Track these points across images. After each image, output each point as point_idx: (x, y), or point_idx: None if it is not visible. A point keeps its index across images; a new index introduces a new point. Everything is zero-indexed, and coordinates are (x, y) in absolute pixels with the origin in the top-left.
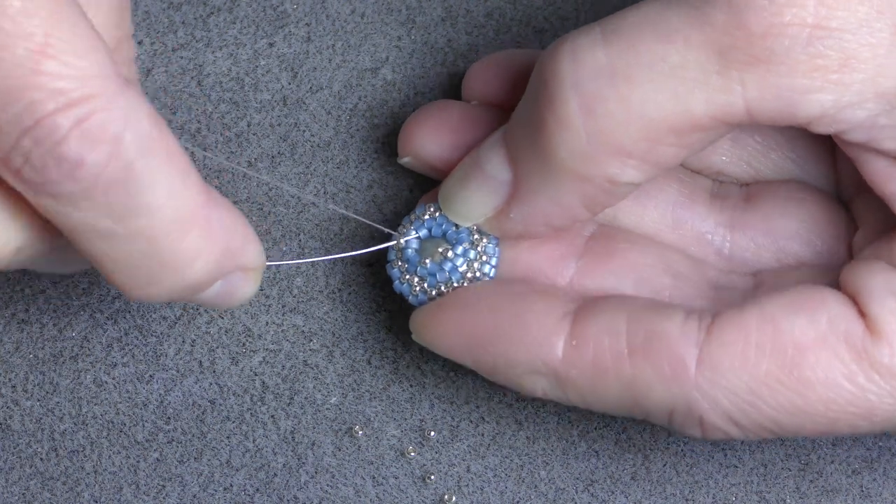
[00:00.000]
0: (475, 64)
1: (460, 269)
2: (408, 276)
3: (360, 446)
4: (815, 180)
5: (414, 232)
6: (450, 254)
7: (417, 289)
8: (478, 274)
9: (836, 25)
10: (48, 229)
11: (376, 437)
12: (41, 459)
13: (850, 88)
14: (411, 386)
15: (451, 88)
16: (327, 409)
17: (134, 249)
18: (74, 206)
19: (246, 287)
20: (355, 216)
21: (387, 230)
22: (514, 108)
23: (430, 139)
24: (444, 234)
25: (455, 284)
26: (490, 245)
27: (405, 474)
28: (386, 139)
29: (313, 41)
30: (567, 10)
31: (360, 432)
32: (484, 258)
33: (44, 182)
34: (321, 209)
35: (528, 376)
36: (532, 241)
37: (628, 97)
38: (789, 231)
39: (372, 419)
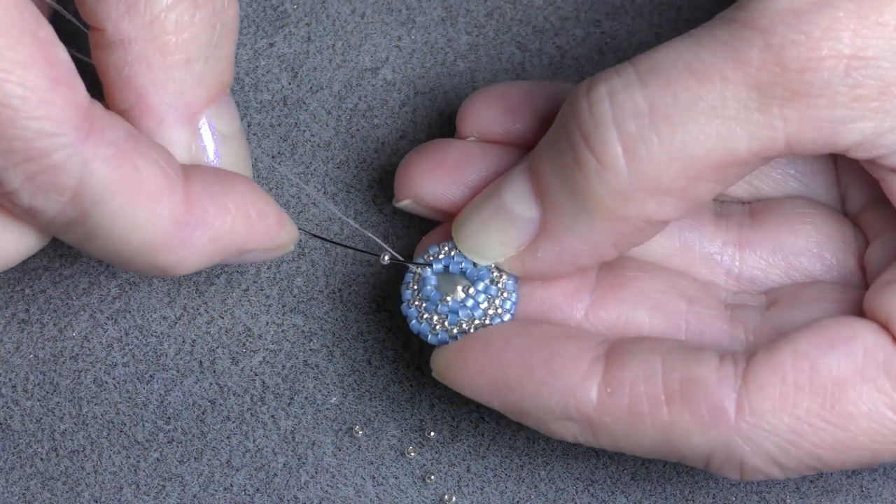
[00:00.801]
0: (468, 99)
1: (482, 306)
2: (426, 315)
3: (360, 446)
4: (818, 196)
5: (429, 270)
6: (471, 290)
7: (438, 327)
8: (499, 311)
9: (872, 54)
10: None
11: (376, 437)
12: (41, 459)
13: (889, 115)
14: (411, 386)
15: (452, 89)
16: (327, 409)
17: (107, 257)
18: (55, 232)
19: (263, 257)
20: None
21: (385, 249)
22: (513, 143)
23: (430, 180)
24: (462, 272)
25: (476, 322)
26: (510, 282)
27: (405, 474)
28: (386, 139)
29: (313, 41)
30: (567, 10)
31: (360, 432)
32: (504, 295)
33: (20, 213)
34: (321, 209)
35: (558, 422)
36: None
37: (670, 138)
38: (798, 247)
39: (372, 419)
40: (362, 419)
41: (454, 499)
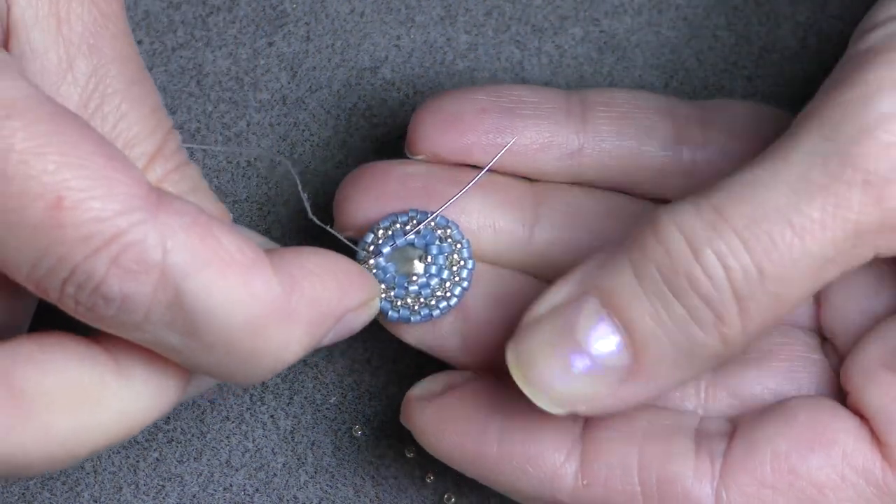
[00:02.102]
0: (418, 114)
1: (443, 275)
2: (399, 302)
3: (359, 446)
4: None
5: (382, 259)
6: (429, 259)
7: (416, 307)
8: (456, 278)
9: None
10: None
11: (376, 437)
12: None
13: None
14: (411, 386)
15: (451, 88)
16: (327, 408)
17: (215, 358)
18: (139, 330)
19: (360, 319)
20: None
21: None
22: (461, 167)
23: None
24: (409, 243)
25: (441, 290)
26: (465, 249)
27: (405, 474)
28: (385, 139)
29: (312, 40)
30: (566, 9)
31: (360, 432)
32: (462, 263)
33: (101, 318)
34: (321, 209)
35: (533, 502)
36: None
37: (777, 294)
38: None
39: (372, 419)
40: (362, 419)
41: (454, 499)
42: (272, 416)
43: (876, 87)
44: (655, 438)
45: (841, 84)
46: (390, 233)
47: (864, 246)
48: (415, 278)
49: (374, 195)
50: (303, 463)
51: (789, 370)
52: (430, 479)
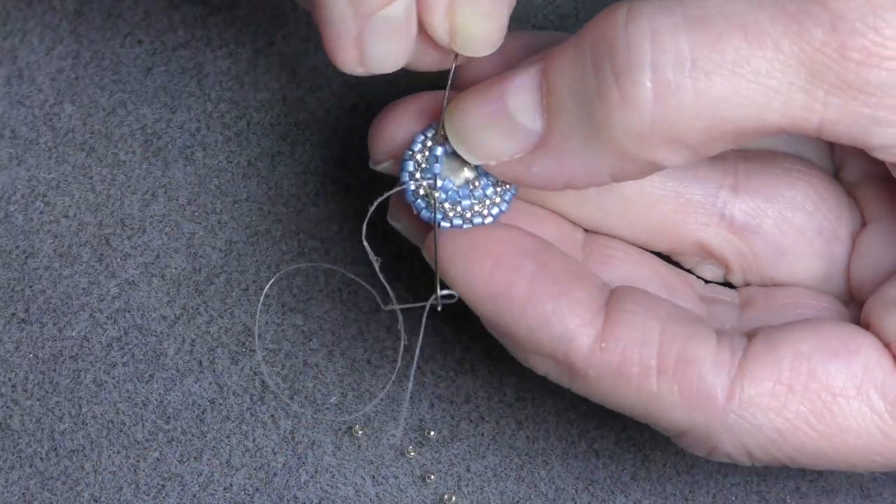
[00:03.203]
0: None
1: (487, 192)
2: (424, 193)
3: (360, 446)
4: (810, 159)
5: (440, 148)
6: (478, 172)
7: (452, 213)
8: (497, 199)
9: None
10: None
11: (376, 437)
12: (41, 459)
13: None
14: (411, 385)
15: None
16: (327, 409)
17: None
18: None
19: None
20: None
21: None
22: None
23: (406, 126)
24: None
25: (476, 208)
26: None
27: (405, 474)
28: None
29: (313, 40)
30: (566, 9)
31: (360, 432)
32: (507, 186)
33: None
34: (321, 209)
35: (539, 357)
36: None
37: (705, 93)
38: (794, 201)
39: (372, 419)
40: (362, 419)
41: (454, 499)
42: (272, 416)
43: None
44: (680, 320)
45: None
46: (426, 152)
47: (814, 98)
48: (477, 184)
49: (396, 125)
50: (303, 463)
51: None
52: (430, 479)
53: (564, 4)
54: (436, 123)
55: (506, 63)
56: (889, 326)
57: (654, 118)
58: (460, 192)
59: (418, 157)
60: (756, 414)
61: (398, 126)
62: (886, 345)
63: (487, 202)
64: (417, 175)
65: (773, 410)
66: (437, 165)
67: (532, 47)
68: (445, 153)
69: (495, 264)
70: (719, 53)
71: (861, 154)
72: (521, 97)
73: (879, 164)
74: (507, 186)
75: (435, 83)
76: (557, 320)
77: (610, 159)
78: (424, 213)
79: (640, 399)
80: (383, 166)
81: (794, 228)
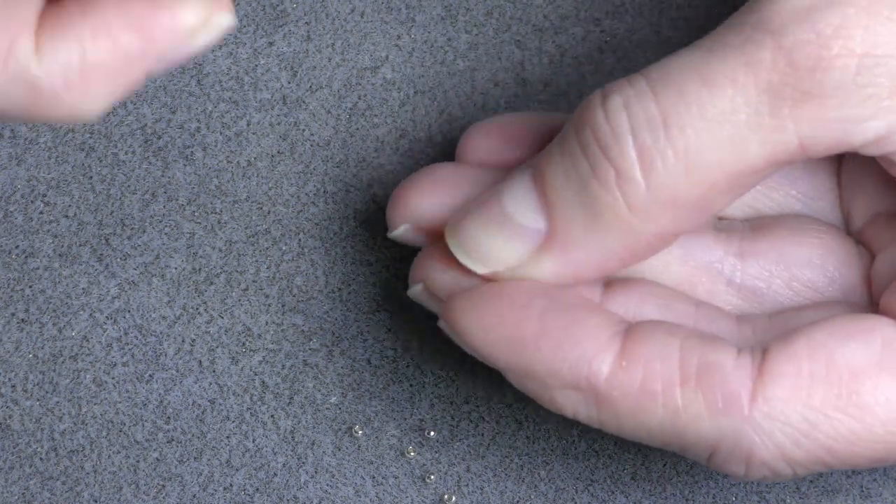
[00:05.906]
0: (467, 132)
1: None
2: None
3: (360, 446)
4: (821, 215)
5: None
6: None
7: None
8: None
9: (883, 52)
10: None
11: (376, 437)
12: (41, 459)
13: None
14: (411, 386)
15: (451, 87)
16: (327, 408)
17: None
18: None
19: (198, 43)
20: None
21: None
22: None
23: (426, 200)
24: None
25: None
26: None
27: (405, 474)
28: (385, 138)
29: (313, 40)
30: (567, 9)
31: (360, 432)
32: None
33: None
34: (321, 208)
35: (563, 391)
36: None
37: (685, 148)
38: (801, 258)
39: (372, 419)
40: (362, 419)
41: (454, 499)
42: (272, 416)
43: None
44: (698, 337)
45: None
46: None
47: (782, 118)
48: None
49: (415, 196)
50: (303, 463)
51: None
52: (430, 479)
53: (565, 4)
54: None
55: (508, 144)
56: None
57: (648, 184)
58: None
59: None
60: (783, 409)
61: (418, 196)
62: None
63: None
64: None
65: (800, 402)
66: None
67: (531, 129)
68: None
69: (503, 307)
70: (685, 106)
71: (862, 196)
72: (518, 198)
73: (879, 201)
74: None
75: (439, 89)
76: (573, 346)
77: (617, 239)
78: None
79: (666, 415)
80: (399, 232)
81: (803, 284)
